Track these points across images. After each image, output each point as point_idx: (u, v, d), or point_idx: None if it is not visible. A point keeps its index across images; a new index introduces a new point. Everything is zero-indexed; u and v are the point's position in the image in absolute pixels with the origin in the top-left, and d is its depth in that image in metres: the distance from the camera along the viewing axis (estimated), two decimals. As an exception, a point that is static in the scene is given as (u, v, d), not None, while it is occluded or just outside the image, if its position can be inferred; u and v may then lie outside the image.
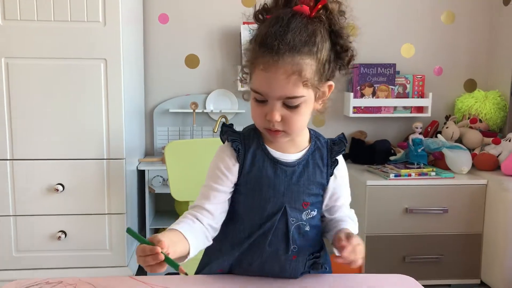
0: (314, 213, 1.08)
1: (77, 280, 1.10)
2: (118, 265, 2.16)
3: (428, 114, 2.79)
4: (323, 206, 1.11)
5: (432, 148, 2.65)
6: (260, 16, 0.97)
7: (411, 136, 2.73)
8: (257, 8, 0.98)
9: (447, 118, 2.88)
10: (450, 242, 2.47)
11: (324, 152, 1.08)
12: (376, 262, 2.40)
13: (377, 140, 2.79)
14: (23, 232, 2.14)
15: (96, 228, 2.16)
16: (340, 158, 1.10)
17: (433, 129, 2.85)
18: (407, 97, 2.80)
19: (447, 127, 2.77)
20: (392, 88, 2.76)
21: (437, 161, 2.65)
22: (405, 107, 2.82)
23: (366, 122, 2.91)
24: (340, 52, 0.97)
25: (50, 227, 2.14)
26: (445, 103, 2.94)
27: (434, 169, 2.53)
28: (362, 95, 2.75)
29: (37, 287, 1.07)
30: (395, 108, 2.80)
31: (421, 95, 2.81)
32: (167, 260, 0.87)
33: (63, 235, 2.14)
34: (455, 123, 2.80)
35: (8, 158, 2.09)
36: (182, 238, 0.95)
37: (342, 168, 1.10)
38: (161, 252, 0.85)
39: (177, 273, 0.92)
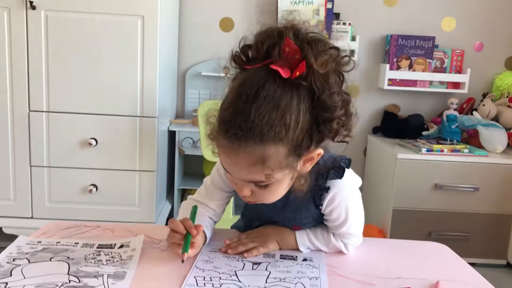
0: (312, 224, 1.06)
1: (114, 226, 1.12)
2: (146, 221, 2.20)
3: (465, 91, 2.72)
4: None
5: (466, 125, 2.59)
6: (238, 60, 0.83)
7: (446, 112, 2.67)
8: (240, 46, 0.83)
9: (484, 95, 2.80)
10: (478, 221, 2.44)
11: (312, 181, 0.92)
12: (401, 237, 2.38)
13: (410, 115, 2.74)
14: (56, 183, 2.19)
15: (126, 184, 2.20)
16: (336, 185, 0.96)
17: (468, 106, 2.78)
18: (444, 72, 2.73)
19: (483, 105, 2.70)
20: (429, 62, 2.69)
21: (471, 139, 2.60)
22: (441, 82, 2.75)
23: (400, 95, 2.85)
24: (322, 127, 0.80)
25: (82, 180, 2.19)
26: (483, 80, 2.86)
27: (467, 146, 2.47)
28: (398, 67, 2.69)
29: (76, 229, 1.10)
30: (431, 82, 2.74)
31: (459, 71, 2.73)
32: (186, 241, 0.94)
33: (94, 189, 2.18)
34: (492, 101, 2.72)
35: (44, 110, 2.13)
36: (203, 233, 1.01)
37: (335, 199, 0.97)
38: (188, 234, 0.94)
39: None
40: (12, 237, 2.00)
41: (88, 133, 2.15)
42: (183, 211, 1.08)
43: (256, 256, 1.00)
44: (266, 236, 1.04)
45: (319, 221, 1.05)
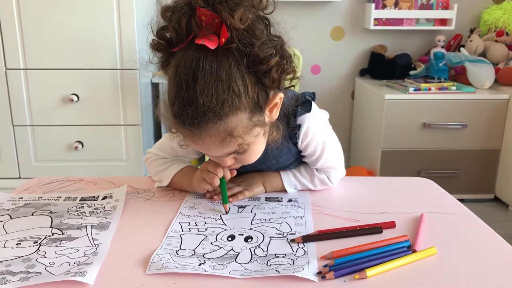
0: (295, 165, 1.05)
1: (97, 179, 1.11)
2: (134, 175, 2.19)
3: (452, 27, 2.68)
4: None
5: (454, 62, 2.56)
6: (161, 47, 0.79)
7: (433, 50, 2.63)
8: (155, 33, 0.79)
9: (471, 31, 2.76)
10: (466, 157, 2.45)
11: (284, 122, 0.92)
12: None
13: (397, 54, 2.70)
14: (41, 142, 2.16)
15: (112, 139, 2.17)
16: (306, 119, 0.95)
17: (456, 43, 2.74)
18: (431, 9, 2.67)
19: (471, 41, 2.66)
20: (415, -1, 2.62)
21: (459, 76, 2.58)
22: (428, 20, 2.69)
23: (386, 35, 2.80)
24: (264, 80, 0.78)
25: (67, 138, 2.16)
26: (470, 15, 2.80)
27: (455, 83, 2.46)
28: (384, 6, 2.63)
29: (58, 183, 1.09)
30: (417, 20, 2.69)
31: (446, 7, 2.67)
32: (222, 188, 0.94)
33: (80, 145, 2.16)
34: (479, 36, 2.68)
35: (22, 67, 2.06)
36: None
37: (308, 133, 0.96)
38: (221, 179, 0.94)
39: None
40: (1, 198, 2.00)
41: (69, 89, 2.10)
42: (156, 167, 1.06)
43: (241, 200, 0.99)
44: (251, 180, 1.03)
45: (300, 161, 1.04)
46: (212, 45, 0.74)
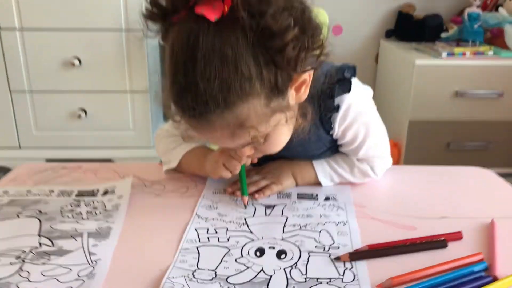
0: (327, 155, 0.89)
1: (98, 166, 0.94)
2: (142, 146, 2.03)
3: (490, -16, 2.42)
4: None
5: (490, 24, 2.33)
6: (155, 17, 0.62)
7: (467, 10, 2.40)
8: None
9: (510, -11, 2.50)
10: (500, 129, 2.26)
11: (314, 104, 0.76)
12: (418, 149, 2.24)
13: (427, 15, 2.47)
14: (41, 109, 1.99)
15: (118, 107, 2.00)
16: (344, 100, 0.78)
17: (493, 2, 2.49)
18: (467, -37, 2.41)
19: (510, 0, 2.41)
20: (450, -48, 2.36)
21: (496, 39, 2.34)
22: (463, -25, 2.44)
23: (416, -7, 2.55)
24: (277, 59, 0.60)
25: (69, 105, 1.99)
26: (510, -30, 2.53)
27: (492, 47, 2.24)
28: (415, -40, 2.37)
29: (51, 172, 0.92)
30: (451, -24, 2.43)
31: (484, -39, 2.41)
32: (242, 177, 0.81)
33: (83, 114, 1.99)
34: (520, -6, 2.43)
35: (17, 27, 1.87)
36: None
37: (347, 116, 0.79)
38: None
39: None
40: (1, 170, 1.85)
41: (70, 51, 1.92)
42: (165, 146, 0.90)
43: (269, 196, 0.83)
44: (279, 171, 0.87)
45: (334, 150, 0.87)
46: (213, 16, 0.57)
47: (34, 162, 1.93)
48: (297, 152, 0.84)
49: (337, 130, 0.80)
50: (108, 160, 1.98)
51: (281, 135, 0.71)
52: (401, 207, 0.80)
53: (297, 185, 0.86)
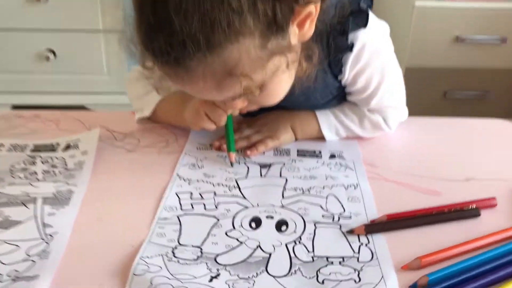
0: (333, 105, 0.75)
1: (59, 115, 0.80)
2: (117, 91, 1.86)
3: None
4: None
5: (496, -37, 2.16)
6: None
7: None
8: None
9: None
10: (501, 77, 2.14)
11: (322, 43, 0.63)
12: (413, 98, 2.09)
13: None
14: (4, 50, 1.80)
15: (90, 48, 1.81)
16: (360, 37, 0.64)
17: None
18: None
19: None
20: None
21: (500, -20, 2.19)
22: None
23: None
24: None
25: (35, 45, 1.80)
26: None
27: (497, -11, 2.08)
28: None
29: (4, 122, 0.78)
30: None
31: None
32: (229, 130, 0.67)
33: (52, 55, 1.80)
34: None
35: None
36: None
37: (361, 57, 0.65)
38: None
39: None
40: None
41: (33, -16, 1.71)
42: (137, 90, 0.76)
43: (264, 153, 0.70)
44: (276, 123, 0.73)
45: (340, 99, 0.74)
46: None
47: (-1, 108, 1.77)
48: (299, 103, 0.71)
49: (347, 75, 0.67)
50: (81, 107, 1.82)
51: (280, 84, 0.57)
52: (419, 167, 0.68)
53: (296, 139, 0.73)
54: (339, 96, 0.73)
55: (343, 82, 0.68)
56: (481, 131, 0.81)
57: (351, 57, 0.65)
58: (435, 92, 2.16)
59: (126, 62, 1.83)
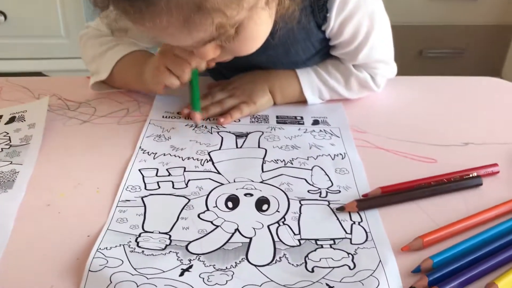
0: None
1: (3, 82, 0.70)
2: (77, 56, 1.73)
3: None
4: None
5: None
6: None
7: None
8: None
9: None
10: (475, 35, 2.11)
11: None
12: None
13: None
14: None
15: (45, 9, 1.67)
16: None
17: None
18: None
19: None
20: None
21: None
22: None
23: None
24: None
25: (-16, 7, 1.64)
26: None
27: None
28: None
29: None
30: None
31: None
32: (194, 86, 0.59)
33: (2, 18, 1.65)
34: None
35: None
36: None
37: (350, 3, 0.58)
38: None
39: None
40: None
41: None
42: (93, 49, 0.66)
43: (239, 121, 0.62)
44: (251, 86, 0.65)
45: (322, 56, 0.66)
46: None
47: None
48: (277, 55, 0.63)
49: (333, 23, 0.59)
50: (38, 74, 1.69)
51: (259, 25, 0.50)
52: (411, 131, 0.61)
53: (275, 104, 0.66)
54: (322, 52, 0.65)
55: (327, 32, 0.61)
56: (470, 90, 0.75)
57: (337, 1, 0.57)
58: (410, 51, 2.11)
59: (84, 23, 1.70)
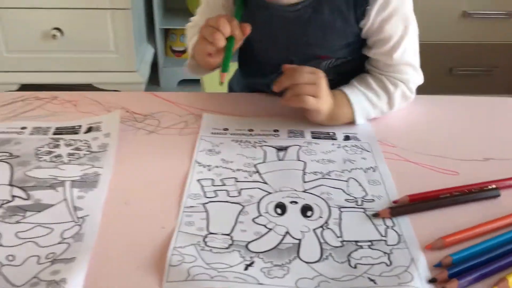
0: (341, 61, 0.75)
1: (78, 96, 0.80)
2: (126, 70, 1.86)
3: None
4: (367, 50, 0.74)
5: None
6: None
7: None
8: None
9: None
10: (508, 53, 2.14)
11: None
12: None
13: None
14: (11, 29, 1.78)
15: (97, 26, 1.80)
16: None
17: None
18: None
19: None
20: None
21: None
22: None
23: None
24: None
25: (42, 24, 1.78)
26: None
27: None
28: None
29: (22, 104, 0.78)
30: None
31: None
32: (227, 52, 0.66)
33: (59, 34, 1.79)
34: None
35: None
36: None
37: (390, 7, 0.67)
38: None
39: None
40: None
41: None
42: (188, 37, 0.82)
43: (278, 135, 0.70)
44: (322, 81, 0.67)
45: (352, 52, 0.74)
46: None
47: (7, 86, 1.77)
48: (315, 38, 0.71)
49: (372, 19, 0.67)
50: (88, 86, 1.82)
51: None
52: (437, 146, 0.68)
53: (317, 121, 0.71)
54: (352, 47, 0.73)
55: (365, 29, 0.69)
56: (495, 110, 0.82)
57: (379, 2, 0.66)
58: (440, 69, 2.15)
59: (133, 40, 1.82)
